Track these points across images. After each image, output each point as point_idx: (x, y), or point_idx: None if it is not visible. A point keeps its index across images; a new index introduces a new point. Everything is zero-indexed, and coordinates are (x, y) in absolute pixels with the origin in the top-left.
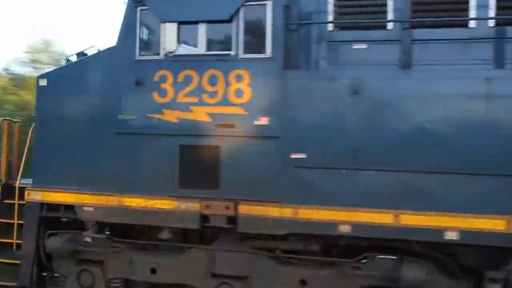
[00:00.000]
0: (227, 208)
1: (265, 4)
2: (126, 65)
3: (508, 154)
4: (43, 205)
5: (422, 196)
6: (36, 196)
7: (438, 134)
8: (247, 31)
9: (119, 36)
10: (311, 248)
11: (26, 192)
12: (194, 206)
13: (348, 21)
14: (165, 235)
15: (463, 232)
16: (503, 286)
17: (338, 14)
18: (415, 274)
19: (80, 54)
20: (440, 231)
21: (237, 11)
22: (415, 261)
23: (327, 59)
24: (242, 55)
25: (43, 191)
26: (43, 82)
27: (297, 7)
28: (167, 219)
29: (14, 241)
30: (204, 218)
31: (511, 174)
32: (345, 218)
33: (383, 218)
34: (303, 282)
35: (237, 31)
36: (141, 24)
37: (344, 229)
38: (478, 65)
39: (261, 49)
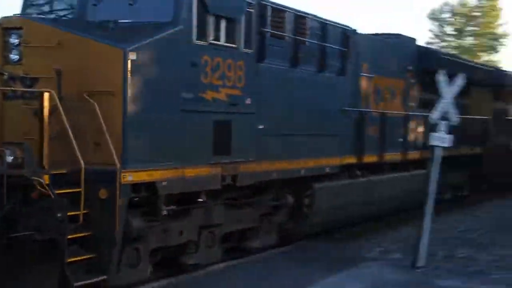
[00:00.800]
0: (234, 169)
1: (251, 12)
2: (185, 47)
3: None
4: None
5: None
6: (129, 177)
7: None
8: (246, 30)
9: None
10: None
11: (122, 175)
12: (218, 170)
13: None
14: (203, 197)
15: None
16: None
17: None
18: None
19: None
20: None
21: (242, 13)
22: (287, 193)
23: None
24: (242, 49)
25: (134, 172)
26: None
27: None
28: (206, 183)
29: None
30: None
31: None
32: (274, 168)
33: (292, 165)
34: (240, 220)
35: (240, 30)
36: (198, 11)
37: (273, 175)
38: None
39: (250, 46)
